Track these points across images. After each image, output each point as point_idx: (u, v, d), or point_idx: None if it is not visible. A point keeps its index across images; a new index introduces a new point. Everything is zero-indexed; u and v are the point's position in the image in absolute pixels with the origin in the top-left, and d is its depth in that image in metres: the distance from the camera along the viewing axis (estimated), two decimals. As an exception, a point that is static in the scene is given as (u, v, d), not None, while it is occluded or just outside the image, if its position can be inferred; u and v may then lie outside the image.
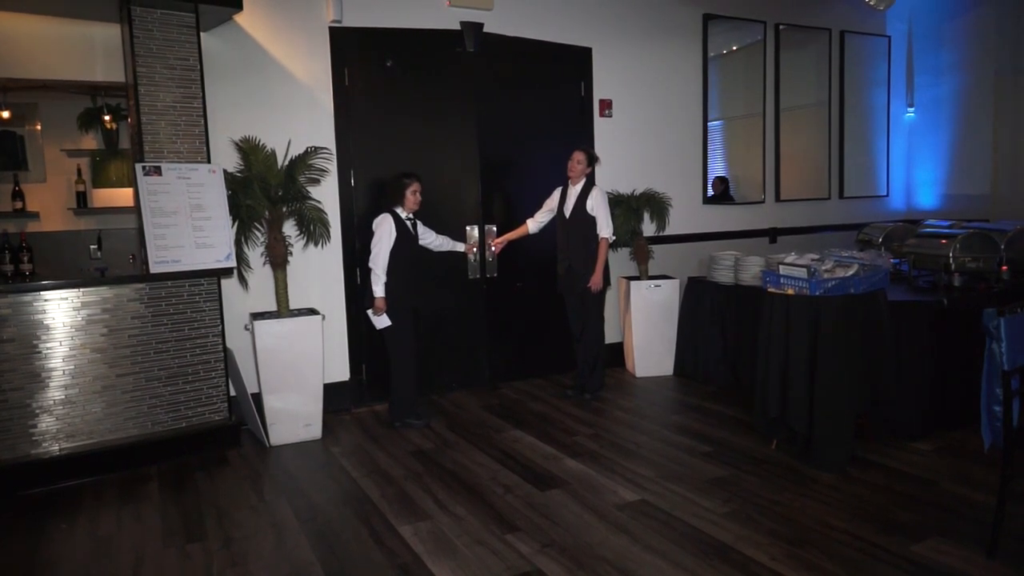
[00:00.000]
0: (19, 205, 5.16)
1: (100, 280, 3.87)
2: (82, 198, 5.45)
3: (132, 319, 3.89)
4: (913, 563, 2.68)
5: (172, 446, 3.99)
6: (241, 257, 4.20)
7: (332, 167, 4.58)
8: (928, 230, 4.98)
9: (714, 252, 5.49)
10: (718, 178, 6.39)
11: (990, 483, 3.19)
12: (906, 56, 7.40)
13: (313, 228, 4.34)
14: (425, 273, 4.67)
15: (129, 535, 3.13)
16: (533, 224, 4.95)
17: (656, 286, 5.40)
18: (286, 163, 4.23)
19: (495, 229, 5.20)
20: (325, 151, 4.31)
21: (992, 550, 2.69)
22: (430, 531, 3.07)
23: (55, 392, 3.72)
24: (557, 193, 4.89)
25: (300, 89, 4.61)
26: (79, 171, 5.44)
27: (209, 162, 4.05)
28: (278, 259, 4.25)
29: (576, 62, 5.54)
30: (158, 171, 3.83)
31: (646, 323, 5.42)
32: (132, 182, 4.28)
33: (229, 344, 4.24)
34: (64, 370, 3.74)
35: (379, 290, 4.21)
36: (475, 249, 5.06)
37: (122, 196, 5.44)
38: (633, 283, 5.39)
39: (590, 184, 4.79)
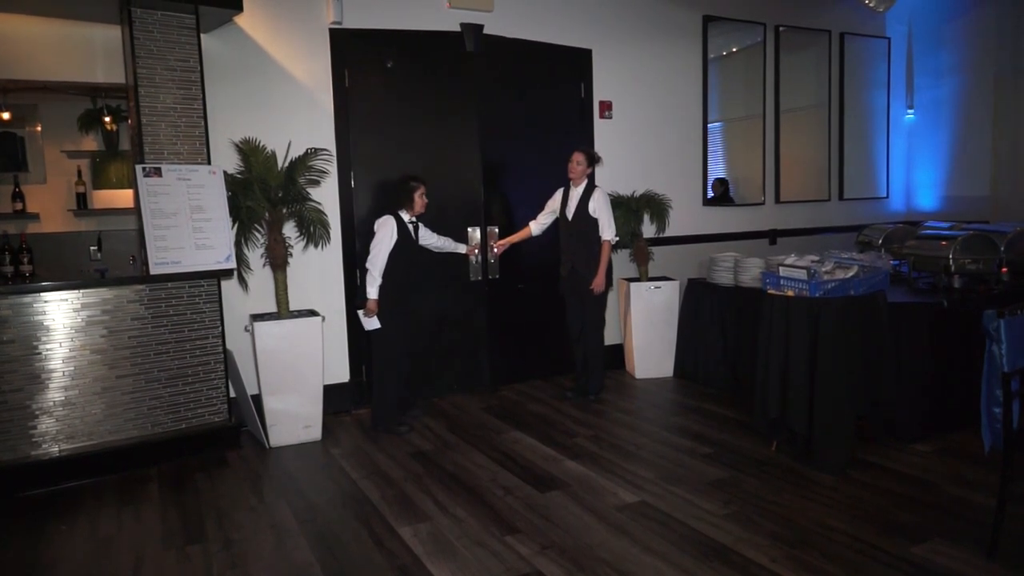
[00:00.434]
0: (19, 206, 5.17)
1: (100, 281, 3.87)
2: (82, 199, 5.46)
3: (132, 320, 3.89)
4: (913, 565, 2.68)
5: (172, 447, 3.99)
6: (241, 258, 4.20)
7: (332, 168, 4.58)
8: (928, 232, 4.99)
9: (714, 254, 5.48)
10: (718, 180, 6.39)
11: (990, 485, 3.19)
12: (906, 58, 7.40)
13: (313, 229, 4.34)
14: (427, 275, 4.67)
15: (129, 536, 3.14)
16: (535, 226, 4.95)
17: (656, 288, 5.40)
18: (286, 164, 4.23)
19: (497, 230, 5.20)
20: (325, 152, 4.32)
21: (992, 552, 2.69)
22: (430, 532, 3.08)
23: (55, 393, 3.72)
24: (559, 194, 4.89)
25: (300, 90, 4.61)
26: (79, 172, 5.45)
27: (209, 163, 4.05)
28: (278, 260, 4.25)
29: (576, 63, 5.54)
30: (158, 172, 3.83)
31: (646, 325, 5.42)
32: (132, 183, 4.28)
33: (229, 345, 4.24)
34: (64, 371, 3.74)
35: (373, 292, 4.21)
36: (477, 251, 5.07)
37: (122, 197, 5.44)
38: (633, 285, 5.39)
39: (592, 186, 4.78)
